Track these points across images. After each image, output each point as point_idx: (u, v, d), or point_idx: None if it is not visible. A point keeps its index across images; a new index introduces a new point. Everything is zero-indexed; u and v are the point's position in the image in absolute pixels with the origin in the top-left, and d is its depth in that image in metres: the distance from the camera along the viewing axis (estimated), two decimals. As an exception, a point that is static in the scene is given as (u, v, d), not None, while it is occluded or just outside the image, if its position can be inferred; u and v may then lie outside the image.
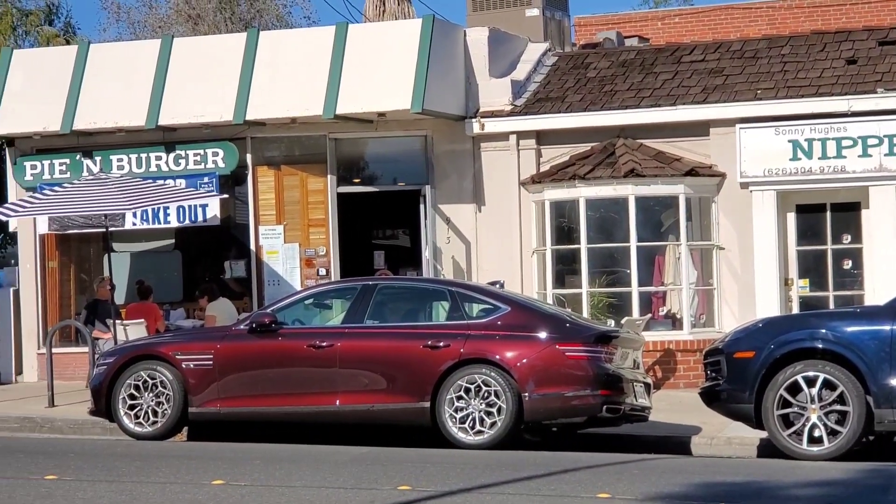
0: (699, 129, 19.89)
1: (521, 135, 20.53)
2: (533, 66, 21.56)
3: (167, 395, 14.88)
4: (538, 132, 20.54)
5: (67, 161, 21.30)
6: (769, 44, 21.12)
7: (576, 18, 28.61)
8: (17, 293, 21.80)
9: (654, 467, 12.06)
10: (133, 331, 18.57)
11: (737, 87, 19.93)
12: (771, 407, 13.18)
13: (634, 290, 19.56)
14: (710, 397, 14.17)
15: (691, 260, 19.82)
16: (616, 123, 20.16)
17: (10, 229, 22.61)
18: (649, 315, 19.48)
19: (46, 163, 21.38)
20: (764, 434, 13.66)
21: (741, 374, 13.51)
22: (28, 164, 21.43)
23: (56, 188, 20.12)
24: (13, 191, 21.64)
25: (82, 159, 21.21)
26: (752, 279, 19.43)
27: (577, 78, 21.22)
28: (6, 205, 20.46)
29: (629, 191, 19.48)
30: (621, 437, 14.93)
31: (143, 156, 21.06)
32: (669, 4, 46.89)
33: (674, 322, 19.78)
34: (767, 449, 14.01)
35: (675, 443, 14.91)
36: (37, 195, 20.22)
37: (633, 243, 19.57)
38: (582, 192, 19.68)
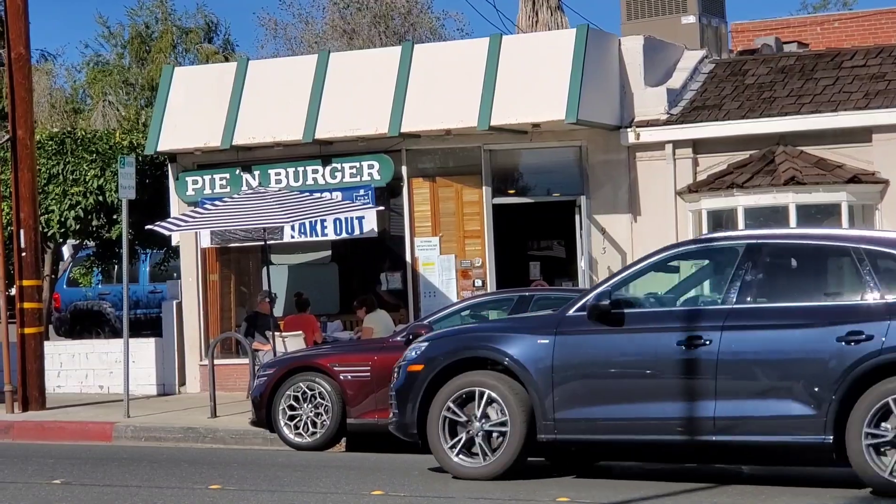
0: (861, 135, 19.47)
1: (678, 144, 20.31)
2: (689, 73, 21.32)
3: (326, 406, 15.02)
4: (695, 141, 20.30)
5: (227, 176, 21.65)
6: (933, 47, 20.60)
7: (733, 25, 28.23)
8: (179, 306, 22.23)
9: (816, 479, 11.80)
10: (291, 342, 18.79)
11: (900, 91, 19.47)
12: None
13: (795, 299, 19.16)
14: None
15: (854, 269, 19.37)
16: (775, 131, 19.83)
17: (173, 243, 23.05)
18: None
19: (207, 178, 21.75)
20: None
21: None
22: (189, 180, 21.83)
23: (217, 202, 20.45)
24: (175, 205, 22.05)
25: (242, 174, 21.54)
26: (917, 288, 18.92)
27: (734, 85, 20.93)
28: (169, 219, 20.87)
29: (789, 199, 19.14)
30: (782, 449, 14.59)
31: (301, 169, 21.32)
32: (828, 9, 46.09)
33: (836, 332, 19.33)
34: None
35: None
36: (198, 209, 20.58)
37: None
38: (740, 201, 19.39)
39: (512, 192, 21.34)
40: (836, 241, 11.19)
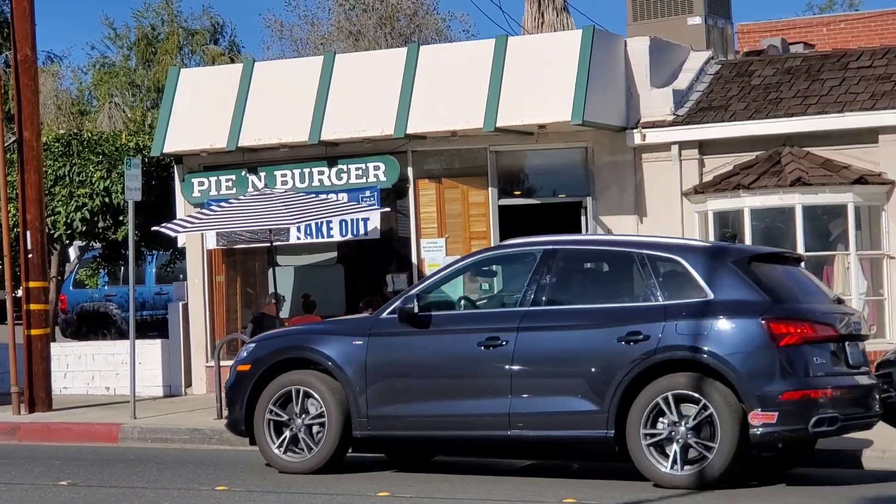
0: (867, 136, 19.45)
1: (684, 145, 20.30)
2: (695, 74, 21.31)
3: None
4: (701, 142, 20.29)
5: (233, 177, 21.66)
6: (940, 47, 20.58)
7: (739, 26, 28.21)
8: (185, 307, 22.24)
9: (825, 481, 11.80)
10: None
11: (906, 92, 19.46)
12: None
13: (801, 300, 19.16)
14: (884, 410, 13.73)
15: (861, 270, 19.37)
16: (781, 132, 19.81)
17: (179, 245, 23.07)
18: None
19: (213, 179, 21.76)
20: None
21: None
22: (195, 181, 21.85)
23: (223, 204, 20.47)
24: (181, 207, 22.06)
25: (247, 175, 21.55)
26: (924, 289, 18.93)
27: (740, 86, 20.92)
28: (175, 221, 20.89)
29: (796, 200, 19.13)
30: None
31: (306, 171, 21.32)
32: (835, 10, 46.07)
33: (843, 333, 19.33)
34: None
35: (846, 456, 14.54)
36: (204, 211, 20.60)
37: (801, 253, 19.18)
38: (746, 202, 19.38)
39: (518, 193, 21.34)
40: (621, 247, 11.91)
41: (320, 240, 21.37)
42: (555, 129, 20.24)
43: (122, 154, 23.19)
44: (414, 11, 41.45)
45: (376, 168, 20.91)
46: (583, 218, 20.73)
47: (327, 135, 20.72)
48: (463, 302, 12.49)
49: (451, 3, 56.62)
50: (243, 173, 21.60)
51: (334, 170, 21.16)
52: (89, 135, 25.15)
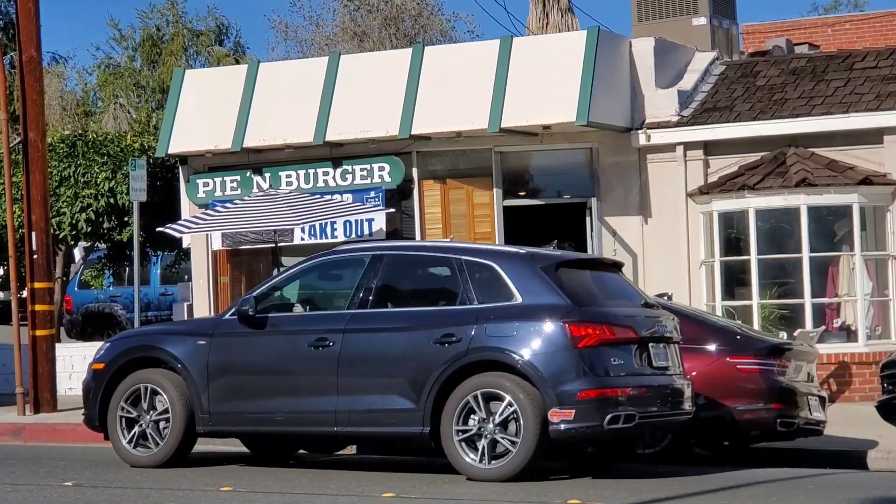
0: (872, 136, 19.44)
1: (689, 145, 20.28)
2: (700, 75, 21.30)
3: None
4: (706, 143, 20.27)
5: (238, 178, 21.67)
6: (945, 48, 20.56)
7: (744, 26, 28.19)
8: (190, 308, 22.24)
9: (829, 482, 11.81)
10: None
11: (911, 92, 19.44)
12: None
13: (807, 301, 19.18)
14: (888, 411, 13.80)
15: (866, 270, 19.35)
16: (786, 132, 19.79)
17: (184, 245, 23.08)
18: (823, 327, 19.07)
19: (218, 180, 21.78)
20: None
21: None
22: (200, 182, 21.85)
23: (228, 204, 20.49)
24: (186, 208, 22.08)
25: (252, 176, 21.56)
26: (929, 290, 18.90)
27: (745, 86, 20.91)
28: (180, 222, 20.91)
29: (801, 200, 19.11)
30: (795, 452, 14.62)
31: (311, 171, 21.34)
32: (840, 11, 46.04)
33: (848, 334, 19.34)
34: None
35: (851, 457, 14.55)
36: (209, 212, 20.61)
37: (806, 254, 19.19)
38: (751, 203, 19.37)
39: (522, 194, 21.34)
40: (441, 253, 12.49)
41: (325, 241, 21.36)
42: (560, 130, 20.24)
43: (126, 155, 23.21)
44: (419, 12, 41.46)
45: (381, 169, 20.92)
46: (587, 219, 20.73)
47: (332, 135, 20.73)
48: (300, 304, 13.10)
49: (455, 4, 56.70)
50: (248, 174, 21.60)
51: (339, 170, 21.17)
52: (94, 136, 25.18)
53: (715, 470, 12.78)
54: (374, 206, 20.76)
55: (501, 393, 11.48)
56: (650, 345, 11.97)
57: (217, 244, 21.74)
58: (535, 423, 11.34)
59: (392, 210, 20.97)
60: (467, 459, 11.54)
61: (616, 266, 13.01)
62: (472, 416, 11.54)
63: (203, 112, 21.45)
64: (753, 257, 19.42)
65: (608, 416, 11.37)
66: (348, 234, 21.06)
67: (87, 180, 23.30)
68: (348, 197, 20.93)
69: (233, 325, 12.65)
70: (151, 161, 22.68)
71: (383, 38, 40.07)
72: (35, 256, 19.05)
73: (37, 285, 19.16)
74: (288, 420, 12.32)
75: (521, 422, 11.36)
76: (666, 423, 12.32)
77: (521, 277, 11.79)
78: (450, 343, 11.67)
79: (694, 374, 13.68)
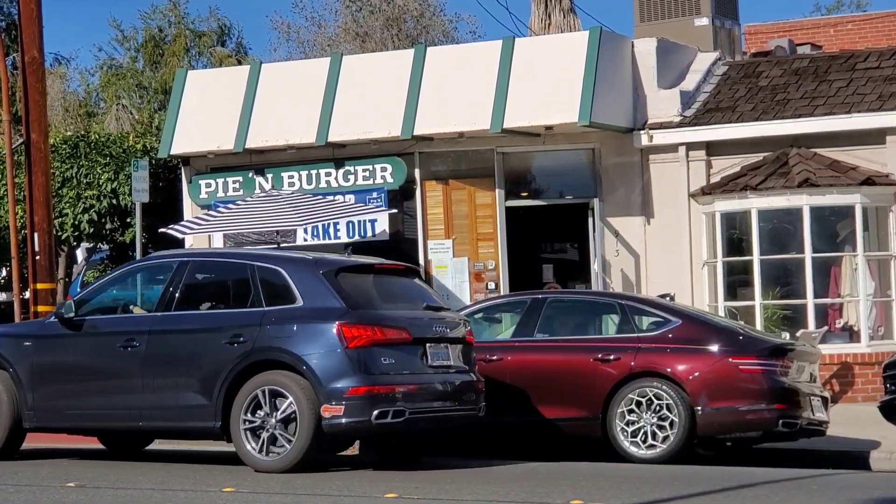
0: (875, 137, 19.44)
1: (691, 146, 20.28)
2: (702, 75, 21.29)
3: None
4: (708, 143, 20.27)
5: (240, 179, 21.68)
6: (947, 48, 20.55)
7: (746, 27, 28.18)
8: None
9: (832, 483, 11.80)
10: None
11: (914, 93, 19.43)
12: None
13: (810, 301, 19.18)
14: (891, 411, 13.79)
15: (868, 271, 19.34)
16: (789, 133, 19.80)
17: (186, 246, 23.06)
18: (826, 327, 19.07)
19: (220, 181, 21.79)
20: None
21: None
22: (203, 183, 21.87)
23: (230, 205, 20.49)
24: (188, 208, 22.08)
25: (255, 177, 21.57)
26: (932, 290, 18.89)
27: (748, 87, 20.90)
28: (182, 222, 20.91)
29: (803, 201, 19.11)
30: (797, 452, 14.62)
31: (313, 172, 21.34)
32: (842, 11, 46.01)
33: (851, 334, 19.33)
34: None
35: (854, 458, 14.55)
36: (211, 213, 20.62)
37: (808, 254, 19.19)
38: (754, 203, 19.36)
39: (525, 194, 21.34)
40: (238, 259, 13.39)
41: (327, 241, 21.38)
42: (562, 131, 20.24)
43: (129, 156, 23.23)
44: (421, 13, 41.45)
45: (383, 169, 20.92)
46: (590, 219, 20.72)
47: (334, 136, 20.74)
48: (120, 307, 13.94)
49: (458, 5, 56.71)
50: (250, 175, 21.61)
51: (341, 171, 21.17)
52: (97, 137, 25.19)
53: (717, 470, 12.78)
54: (377, 206, 20.76)
55: (282, 390, 12.23)
56: (428, 345, 12.64)
57: (218, 245, 21.73)
58: (311, 418, 12.08)
59: (394, 211, 20.97)
60: (249, 448, 12.26)
61: (411, 272, 13.76)
62: (258, 410, 12.27)
63: (205, 113, 21.46)
64: (756, 258, 19.42)
65: (376, 412, 12.13)
66: (351, 234, 21.07)
67: (90, 181, 23.32)
68: (350, 198, 20.93)
69: (55, 328, 13.48)
70: (154, 162, 22.69)
71: (385, 39, 40.06)
72: (37, 257, 19.05)
73: (39, 286, 19.16)
74: (101, 416, 13.20)
75: (298, 417, 12.10)
76: (446, 419, 12.94)
77: (304, 282, 12.55)
78: (238, 343, 12.43)
79: (697, 374, 13.71)
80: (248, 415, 12.29)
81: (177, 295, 13.07)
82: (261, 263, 12.89)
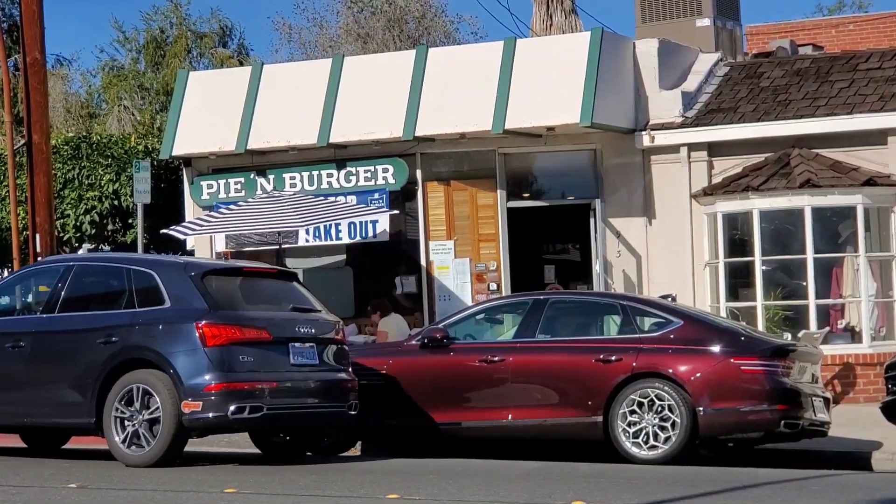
0: (876, 137, 19.44)
1: (693, 147, 20.29)
2: (704, 76, 21.29)
3: None
4: (710, 144, 20.27)
5: (242, 180, 21.69)
6: (949, 49, 20.55)
7: (748, 27, 28.18)
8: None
9: (833, 483, 11.80)
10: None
11: (915, 93, 19.43)
12: None
13: (811, 302, 19.17)
14: (893, 412, 13.80)
15: (870, 271, 19.34)
16: (790, 133, 19.80)
17: (188, 247, 23.07)
18: (827, 328, 19.07)
19: (222, 182, 21.79)
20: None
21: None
22: (204, 184, 21.87)
23: (232, 206, 20.49)
24: (190, 209, 22.09)
25: (256, 178, 21.58)
26: (934, 291, 18.89)
27: (749, 88, 20.91)
28: (184, 223, 20.92)
29: (805, 202, 19.11)
30: (799, 453, 14.62)
31: (315, 173, 21.35)
32: (844, 12, 46.00)
33: (853, 335, 19.33)
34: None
35: (856, 458, 14.56)
36: (213, 214, 20.62)
37: (810, 255, 19.18)
38: (756, 204, 19.36)
39: (526, 195, 21.34)
40: (116, 263, 13.95)
41: (329, 242, 21.40)
42: (563, 132, 20.24)
43: (131, 157, 23.24)
44: (422, 14, 41.47)
45: (385, 170, 20.92)
46: (591, 220, 20.72)
47: (336, 137, 20.74)
48: (18, 309, 14.30)
49: (459, 6, 56.81)
50: (252, 176, 21.62)
51: (343, 172, 21.18)
52: (98, 138, 25.21)
53: (719, 471, 12.78)
54: (378, 207, 20.76)
55: (148, 387, 12.83)
56: (291, 345, 13.20)
57: (221, 246, 21.75)
58: (173, 414, 12.67)
59: (396, 212, 20.98)
60: (117, 440, 12.84)
61: (285, 275, 14.35)
62: (130, 406, 12.85)
63: (207, 114, 21.47)
64: (757, 258, 19.42)
65: (233, 407, 12.72)
66: (353, 235, 21.08)
67: (92, 182, 23.33)
68: (352, 199, 20.93)
69: None
70: (155, 163, 22.70)
71: (387, 40, 40.07)
72: (39, 259, 19.06)
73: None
74: (6, 415, 13.68)
75: (162, 413, 12.70)
76: (310, 416, 13.46)
77: (173, 284, 13.17)
78: (109, 343, 13.04)
79: (699, 375, 13.71)
80: (118, 411, 12.84)
81: (60, 297, 13.65)
82: (135, 267, 13.55)
